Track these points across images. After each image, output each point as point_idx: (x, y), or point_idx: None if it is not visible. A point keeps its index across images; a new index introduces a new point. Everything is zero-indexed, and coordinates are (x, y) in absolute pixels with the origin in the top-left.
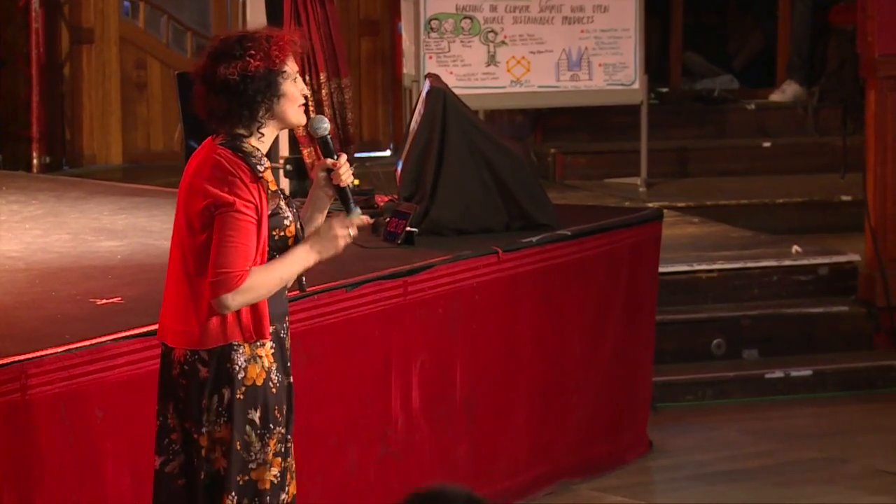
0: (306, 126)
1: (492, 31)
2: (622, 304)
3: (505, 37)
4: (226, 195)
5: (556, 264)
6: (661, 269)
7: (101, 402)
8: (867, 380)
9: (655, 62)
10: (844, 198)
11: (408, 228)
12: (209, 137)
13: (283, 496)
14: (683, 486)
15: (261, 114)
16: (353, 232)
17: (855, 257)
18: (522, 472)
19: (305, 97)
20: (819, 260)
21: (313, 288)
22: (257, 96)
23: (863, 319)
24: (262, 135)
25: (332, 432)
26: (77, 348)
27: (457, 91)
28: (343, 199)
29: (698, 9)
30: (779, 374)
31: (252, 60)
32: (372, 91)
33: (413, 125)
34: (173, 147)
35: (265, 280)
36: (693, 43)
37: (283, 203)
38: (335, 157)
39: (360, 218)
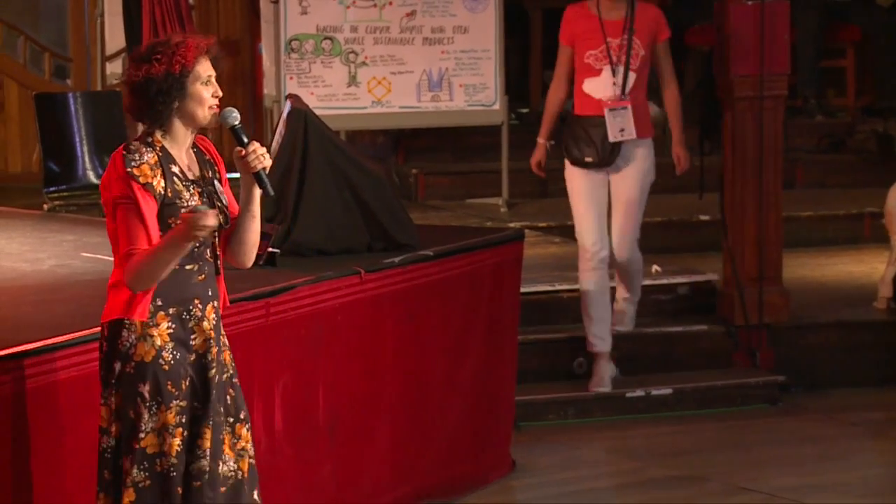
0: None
1: (352, 51)
2: (484, 324)
3: (366, 57)
4: (114, 189)
5: (419, 285)
6: (522, 289)
7: None
8: (726, 397)
9: (515, 83)
10: (703, 217)
11: (270, 249)
12: None
13: (203, 463)
14: None
15: (165, 113)
16: (210, 223)
17: (713, 277)
18: (385, 493)
19: (219, 98)
20: (678, 279)
21: None
22: (158, 97)
23: (721, 338)
24: (170, 132)
25: None
26: None
27: (318, 112)
28: (259, 183)
29: (557, 30)
30: (639, 392)
31: (156, 64)
32: None
33: (274, 146)
34: (32, 168)
35: (145, 261)
36: (553, 64)
37: (186, 193)
38: (245, 145)
39: (208, 213)
